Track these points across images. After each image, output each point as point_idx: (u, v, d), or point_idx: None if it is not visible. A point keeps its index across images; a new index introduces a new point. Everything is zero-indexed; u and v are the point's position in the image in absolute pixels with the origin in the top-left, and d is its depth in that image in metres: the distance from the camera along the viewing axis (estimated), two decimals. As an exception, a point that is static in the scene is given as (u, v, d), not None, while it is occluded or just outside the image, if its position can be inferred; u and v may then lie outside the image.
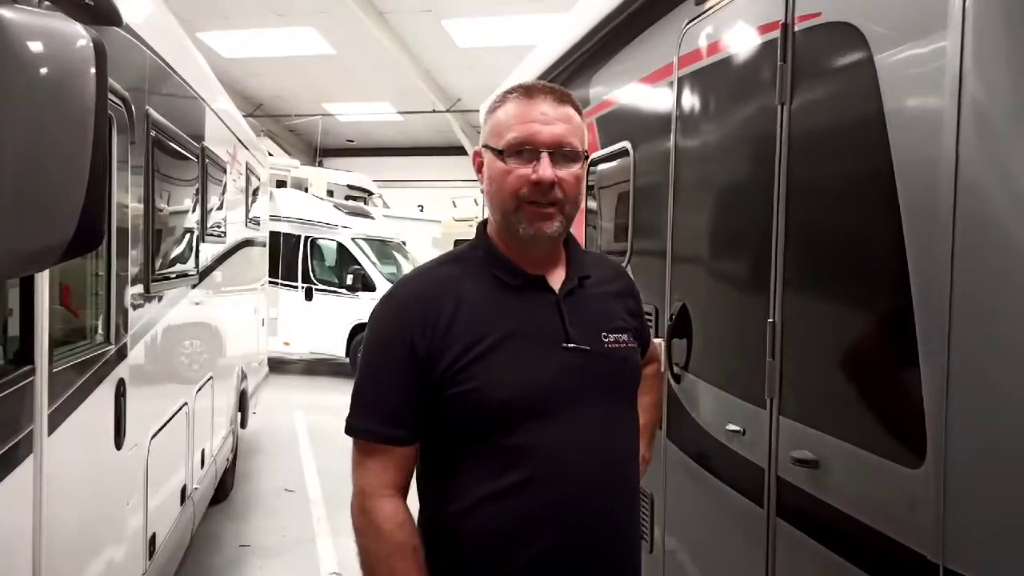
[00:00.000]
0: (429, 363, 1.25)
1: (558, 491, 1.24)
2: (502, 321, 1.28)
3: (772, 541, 1.78)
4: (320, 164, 16.77)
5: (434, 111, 14.92)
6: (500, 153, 1.30)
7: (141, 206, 2.89)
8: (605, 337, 1.35)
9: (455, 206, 13.79)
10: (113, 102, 2.49)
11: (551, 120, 1.29)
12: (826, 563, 1.59)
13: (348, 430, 1.31)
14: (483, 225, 1.41)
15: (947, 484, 1.28)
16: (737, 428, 1.91)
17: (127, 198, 2.66)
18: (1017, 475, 1.20)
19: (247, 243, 6.14)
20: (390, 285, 1.45)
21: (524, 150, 1.28)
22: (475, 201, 12.71)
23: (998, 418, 1.23)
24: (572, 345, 1.30)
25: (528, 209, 1.29)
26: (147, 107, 2.96)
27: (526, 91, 1.33)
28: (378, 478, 1.27)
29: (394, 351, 1.27)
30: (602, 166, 2.96)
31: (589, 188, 3.07)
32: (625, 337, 1.39)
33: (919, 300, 1.35)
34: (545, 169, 1.28)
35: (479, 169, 1.37)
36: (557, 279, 1.36)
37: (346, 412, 1.33)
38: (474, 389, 1.23)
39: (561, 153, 1.29)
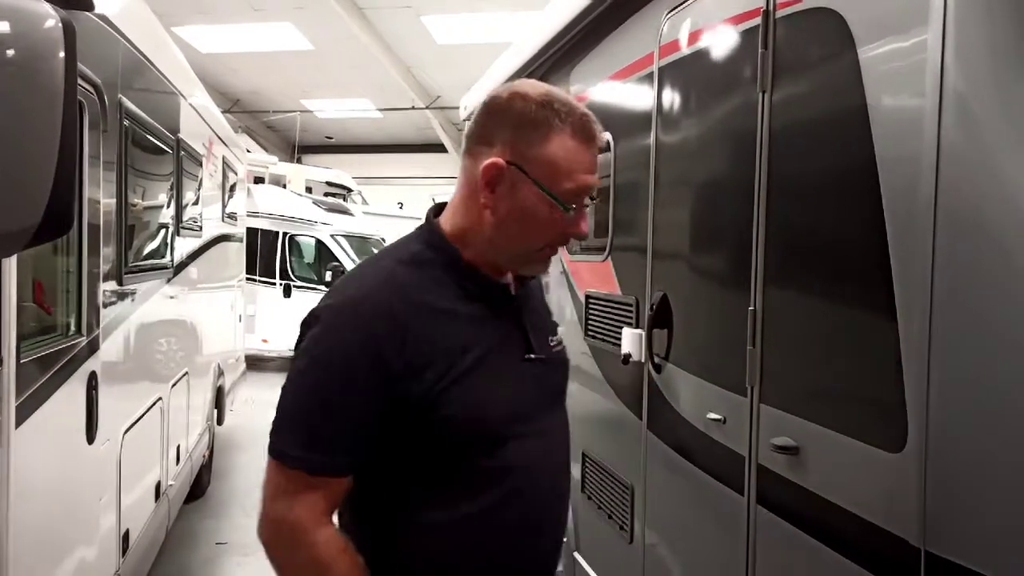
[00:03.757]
0: (403, 384, 1.10)
1: (534, 505, 1.21)
2: (476, 336, 1.17)
3: (752, 529, 1.78)
4: (299, 161, 16.64)
5: (413, 108, 14.86)
6: (556, 200, 1.16)
7: (114, 196, 2.84)
8: (551, 342, 1.33)
9: (435, 203, 13.69)
10: (85, 89, 2.44)
11: (595, 167, 1.20)
12: (806, 550, 1.58)
13: (281, 457, 1.13)
14: (435, 216, 1.27)
15: (928, 467, 1.28)
16: (718, 417, 1.91)
17: (99, 188, 2.61)
18: (998, 458, 1.20)
19: (224, 238, 6.07)
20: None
21: (580, 204, 1.18)
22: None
23: (979, 401, 1.23)
24: (532, 356, 1.25)
25: (547, 253, 1.23)
26: (120, 96, 2.91)
27: (585, 130, 1.17)
28: (313, 510, 1.12)
29: (355, 370, 1.10)
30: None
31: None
32: (560, 338, 1.37)
33: (900, 285, 1.35)
34: (587, 224, 1.22)
35: (493, 184, 1.17)
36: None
37: None
38: (458, 412, 1.12)
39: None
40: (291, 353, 1.22)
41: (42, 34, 1.27)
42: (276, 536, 1.15)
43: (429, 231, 1.24)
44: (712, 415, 1.93)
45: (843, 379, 1.52)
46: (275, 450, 1.15)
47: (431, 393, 1.11)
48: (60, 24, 1.28)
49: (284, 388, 1.15)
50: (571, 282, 3.01)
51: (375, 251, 11.83)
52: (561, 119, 1.16)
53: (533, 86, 1.21)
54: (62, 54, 1.27)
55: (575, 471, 2.94)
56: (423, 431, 1.13)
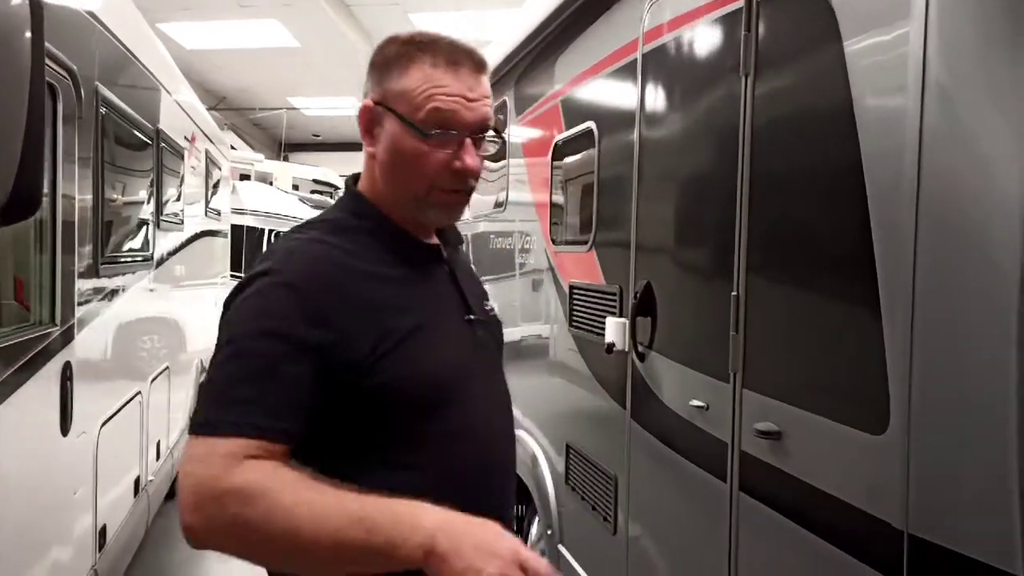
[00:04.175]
0: (335, 353, 1.04)
1: (480, 469, 1.17)
2: (412, 300, 1.14)
3: (735, 516, 1.75)
4: (285, 159, 16.56)
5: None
6: (415, 128, 1.11)
7: (90, 182, 2.80)
8: (486, 304, 1.32)
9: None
10: (58, 73, 2.40)
11: (477, 97, 1.14)
12: (789, 535, 1.56)
13: (210, 427, 0.98)
14: (354, 184, 1.23)
15: (911, 449, 1.26)
16: (701, 404, 1.89)
17: (74, 173, 2.56)
18: (981, 439, 1.18)
19: (207, 233, 6.02)
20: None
21: (446, 131, 1.12)
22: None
23: (962, 380, 1.21)
24: (472, 317, 1.23)
25: (440, 196, 1.16)
26: (96, 83, 2.86)
27: (448, 55, 1.13)
28: (256, 471, 0.96)
29: (286, 337, 1.02)
30: (567, 147, 2.93)
31: (555, 172, 3.03)
32: (493, 304, 1.35)
33: (882, 268, 1.32)
34: (473, 159, 1.15)
35: (368, 129, 1.17)
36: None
37: None
38: (401, 375, 1.07)
39: (482, 137, 1.16)
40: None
41: (8, 11, 1.24)
42: (217, 511, 0.94)
43: (350, 197, 1.22)
44: (695, 402, 1.91)
45: (825, 362, 1.50)
46: (201, 423, 1.00)
47: (371, 358, 1.06)
48: (27, 2, 1.25)
49: (210, 364, 1.05)
50: (556, 274, 2.99)
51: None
52: (421, 49, 1.14)
53: (410, 32, 1.19)
54: (29, 33, 1.25)
55: (559, 464, 2.92)
56: (365, 397, 1.06)
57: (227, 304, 1.10)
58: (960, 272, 1.22)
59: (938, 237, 1.24)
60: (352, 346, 1.06)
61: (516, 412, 3.55)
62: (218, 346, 1.06)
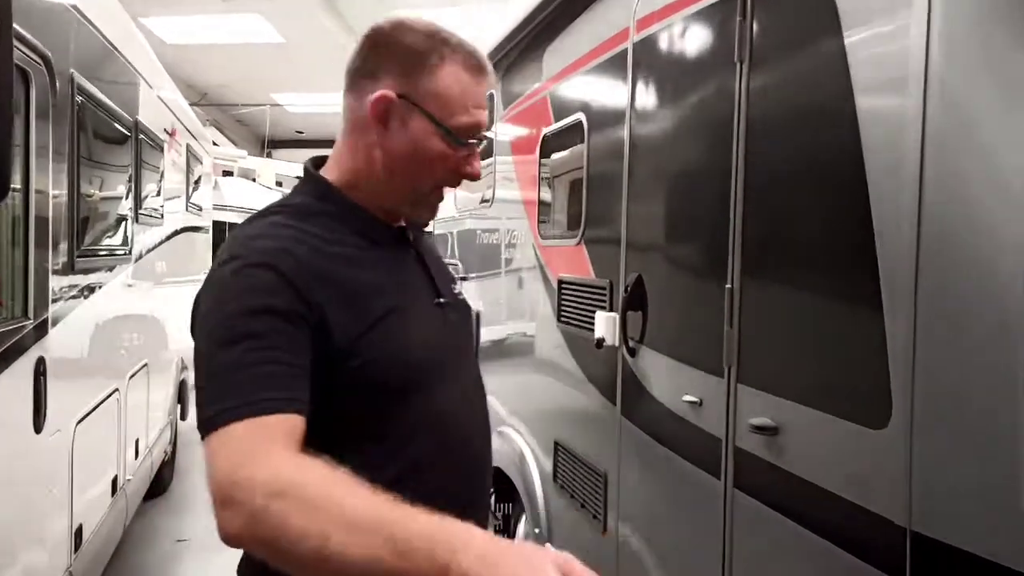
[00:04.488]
0: (319, 333, 1.00)
1: (457, 460, 1.15)
2: (385, 282, 1.11)
3: (729, 513, 1.72)
4: (269, 155, 16.40)
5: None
6: (449, 134, 1.10)
7: (65, 172, 2.72)
8: (454, 287, 1.29)
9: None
10: (31, 59, 2.33)
11: (486, 105, 1.16)
12: (786, 532, 1.53)
13: (224, 417, 0.91)
14: (315, 169, 1.18)
15: (914, 443, 1.23)
16: (694, 399, 1.85)
17: (47, 161, 2.49)
18: (985, 433, 1.15)
19: (188, 229, 5.92)
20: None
21: (476, 140, 1.13)
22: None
23: (968, 373, 1.18)
24: (442, 300, 1.21)
25: (437, 195, 1.17)
26: (72, 70, 2.78)
27: (477, 64, 1.13)
28: (285, 452, 0.91)
29: (279, 311, 0.98)
30: (555, 140, 2.88)
31: (543, 166, 2.99)
32: (461, 288, 1.33)
33: (884, 258, 1.29)
34: (479, 166, 1.16)
35: (384, 119, 1.10)
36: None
37: None
38: (377, 358, 1.04)
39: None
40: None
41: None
42: (247, 499, 0.85)
43: (314, 182, 1.16)
44: (688, 397, 1.87)
45: (824, 356, 1.47)
46: (210, 418, 0.93)
47: (350, 340, 1.02)
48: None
49: (198, 366, 0.98)
50: (544, 269, 2.94)
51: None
52: (452, 49, 1.11)
53: (417, 19, 1.15)
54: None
55: (547, 461, 2.87)
56: (343, 380, 1.02)
57: (197, 302, 1.04)
58: (965, 262, 1.18)
59: (942, 228, 1.21)
60: (334, 328, 1.02)
61: (502, 409, 3.52)
62: (201, 342, 0.99)
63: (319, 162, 1.21)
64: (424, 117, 1.10)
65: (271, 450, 0.89)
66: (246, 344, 0.95)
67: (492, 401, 3.78)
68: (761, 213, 1.65)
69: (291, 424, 0.93)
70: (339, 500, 0.84)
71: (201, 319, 1.03)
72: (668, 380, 2.01)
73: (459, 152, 1.12)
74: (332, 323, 1.01)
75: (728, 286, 1.71)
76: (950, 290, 1.20)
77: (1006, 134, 1.17)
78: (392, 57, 1.11)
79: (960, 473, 1.17)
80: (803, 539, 1.48)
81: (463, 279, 4.07)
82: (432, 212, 1.21)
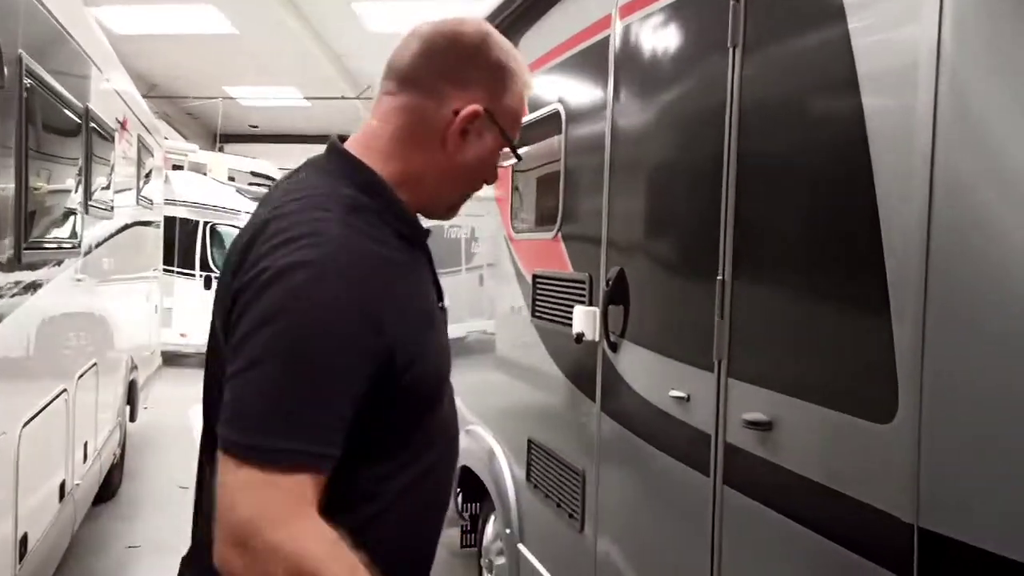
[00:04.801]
0: (386, 358, 0.95)
1: (452, 462, 1.17)
2: (416, 285, 1.08)
3: (719, 511, 1.67)
4: (221, 150, 16.01)
5: (343, 98, 14.47)
6: (513, 150, 1.16)
7: (12, 160, 2.56)
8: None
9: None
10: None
11: None
12: (780, 529, 1.49)
13: (274, 457, 0.86)
14: (351, 155, 1.09)
15: (922, 438, 1.19)
16: (681, 394, 1.80)
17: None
18: (1000, 426, 1.12)
19: (139, 224, 5.70)
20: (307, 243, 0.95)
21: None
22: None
23: (979, 365, 1.15)
24: (442, 305, 1.18)
25: (468, 199, 1.21)
26: (20, 51, 2.62)
27: (531, 82, 1.18)
28: (292, 508, 0.87)
29: (351, 341, 0.92)
30: (530, 131, 2.82)
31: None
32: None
33: (890, 248, 1.25)
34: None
35: (464, 131, 1.08)
36: None
37: None
38: (426, 369, 1.03)
39: None
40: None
41: None
42: (267, 560, 0.84)
43: (358, 172, 1.07)
44: (675, 392, 1.82)
45: (824, 348, 1.43)
46: (256, 448, 0.86)
47: (406, 358, 0.98)
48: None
49: (256, 360, 0.89)
50: (516, 263, 2.88)
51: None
52: (520, 67, 1.15)
53: (493, 30, 1.14)
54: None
55: (520, 460, 2.81)
56: (386, 395, 0.97)
57: (272, 280, 0.91)
58: (976, 251, 1.15)
59: (952, 217, 1.18)
60: (397, 350, 0.97)
61: (467, 410, 3.45)
62: (269, 333, 0.90)
63: (345, 142, 1.14)
64: (499, 134, 1.12)
65: (308, 514, 0.87)
66: (312, 375, 0.90)
67: (457, 402, 3.72)
68: (755, 204, 1.61)
69: (320, 481, 0.90)
70: None
71: (272, 310, 0.90)
72: (652, 375, 1.96)
73: (498, 164, 1.17)
74: (396, 345, 0.96)
75: (719, 277, 1.66)
76: (961, 280, 1.17)
77: (1018, 120, 1.15)
78: (482, 70, 1.10)
79: (970, 467, 1.14)
80: (798, 536, 1.44)
81: (429, 275, 3.98)
82: (456, 213, 1.23)
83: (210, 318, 1.05)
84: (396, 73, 1.11)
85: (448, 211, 1.20)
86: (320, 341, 0.90)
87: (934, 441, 1.18)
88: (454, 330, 3.62)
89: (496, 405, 3.12)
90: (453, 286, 3.68)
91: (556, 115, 2.54)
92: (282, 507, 0.86)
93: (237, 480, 0.86)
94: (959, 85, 1.18)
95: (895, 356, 1.24)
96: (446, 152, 1.09)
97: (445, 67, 1.09)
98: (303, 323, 0.90)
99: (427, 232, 1.15)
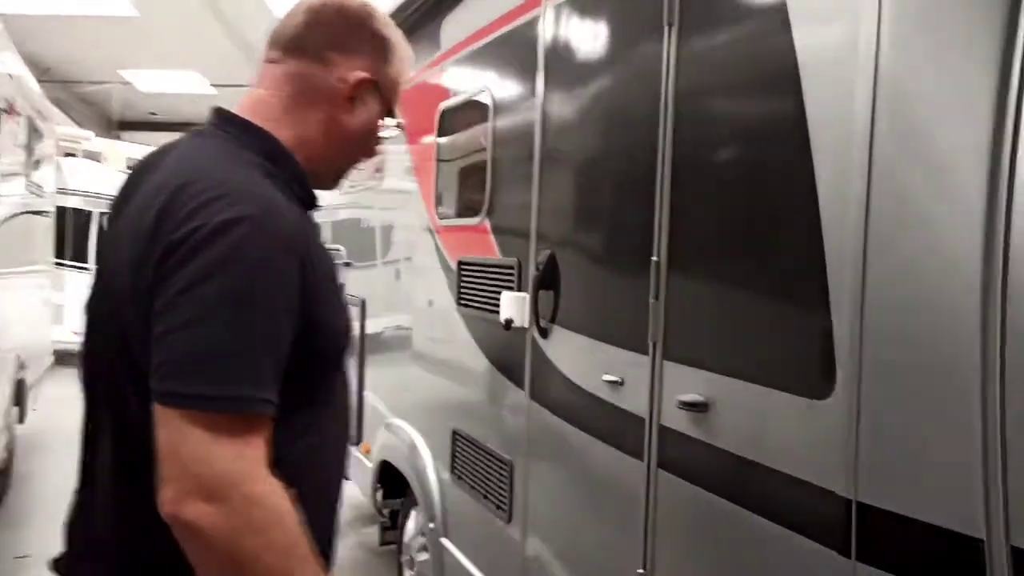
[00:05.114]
0: (315, 306, 0.99)
1: (347, 433, 1.20)
2: (319, 247, 1.11)
3: (652, 494, 1.66)
4: (118, 137, 15.20)
5: (251, 86, 13.98)
6: (394, 119, 1.21)
7: None
8: None
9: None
10: None
11: None
12: (715, 511, 1.48)
13: (230, 402, 0.89)
14: (252, 123, 1.10)
15: (861, 411, 1.20)
16: (615, 378, 1.78)
17: None
18: (942, 398, 1.13)
19: (28, 212, 5.33)
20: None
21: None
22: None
23: (916, 339, 1.16)
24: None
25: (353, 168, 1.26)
26: None
27: (412, 57, 1.25)
28: (260, 460, 0.91)
29: (287, 288, 0.95)
30: (456, 114, 2.76)
31: (441, 142, 2.85)
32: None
33: (829, 221, 1.26)
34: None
35: (352, 98, 1.14)
36: None
37: None
38: (336, 324, 1.08)
39: None
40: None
41: None
42: (229, 500, 0.86)
43: (261, 140, 1.09)
44: (608, 377, 1.80)
45: (762, 326, 1.43)
46: (227, 398, 0.88)
47: (321, 309, 1.02)
48: None
49: (202, 314, 0.89)
50: (441, 251, 2.81)
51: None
52: (402, 41, 1.20)
53: (375, 5, 1.20)
54: None
55: (444, 452, 2.74)
56: (307, 354, 1.00)
57: (214, 234, 0.91)
58: (916, 221, 1.17)
59: (889, 197, 1.19)
60: (320, 306, 1.02)
61: (383, 406, 3.36)
62: (216, 284, 0.90)
63: (225, 114, 1.14)
64: (382, 103, 1.18)
65: (264, 461, 0.90)
66: (271, 320, 0.93)
67: (371, 398, 3.63)
68: (691, 185, 1.60)
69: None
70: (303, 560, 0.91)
71: (218, 260, 0.90)
72: (584, 360, 1.93)
73: (381, 135, 1.21)
74: (318, 303, 1.00)
75: (655, 259, 1.65)
76: (899, 257, 1.18)
77: (957, 88, 1.16)
78: (366, 40, 1.16)
79: (913, 440, 1.16)
80: (734, 517, 1.44)
81: (347, 265, 3.86)
82: (339, 185, 1.27)
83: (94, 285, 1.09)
84: (282, 42, 1.14)
85: (334, 180, 1.22)
86: (267, 292, 0.93)
87: (873, 414, 1.19)
88: (381, 321, 3.53)
89: (418, 399, 3.04)
90: (368, 280, 3.58)
91: (483, 99, 2.48)
92: (258, 458, 0.89)
93: (201, 434, 0.86)
94: (898, 67, 1.19)
95: (833, 332, 1.24)
96: (335, 118, 1.14)
97: (332, 36, 1.14)
98: (249, 275, 0.91)
99: (316, 200, 1.18)
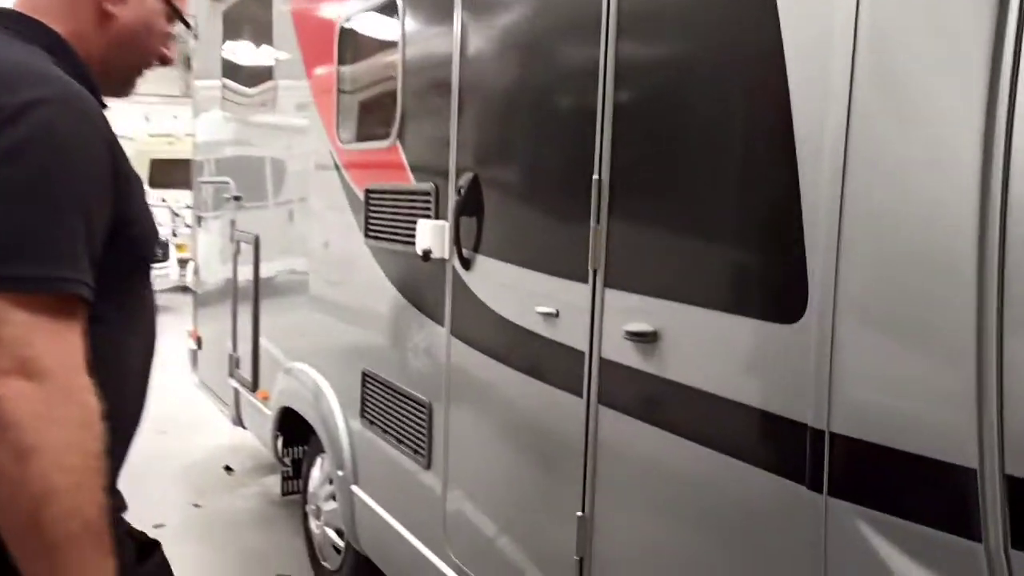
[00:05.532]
0: (126, 197, 0.97)
1: (154, 340, 1.15)
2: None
3: (592, 433, 1.54)
4: None
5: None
6: (177, 15, 1.16)
7: None
8: None
9: (148, 120, 12.24)
10: None
11: None
12: (665, 448, 1.38)
13: (55, 283, 0.85)
14: (26, 15, 1.03)
15: (835, 336, 1.10)
16: (549, 310, 1.63)
17: None
18: (914, 320, 1.04)
19: None
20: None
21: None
22: (174, 116, 11.36)
23: (895, 258, 1.06)
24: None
25: (141, 75, 1.18)
26: None
27: None
28: (80, 350, 0.87)
29: (99, 169, 0.93)
30: (359, 24, 2.48)
31: (343, 56, 2.57)
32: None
33: (802, 136, 1.14)
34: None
35: None
36: None
37: None
38: (141, 229, 1.03)
39: None
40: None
41: None
42: (66, 406, 0.83)
43: (39, 33, 1.03)
44: (541, 309, 1.65)
45: (720, 248, 1.31)
46: (33, 275, 0.84)
47: (131, 203, 0.99)
48: None
49: (9, 195, 0.84)
50: (345, 178, 2.56)
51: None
52: None
53: None
54: None
55: (352, 395, 2.55)
56: (119, 248, 0.96)
57: (12, 117, 0.86)
58: (898, 136, 1.06)
59: (875, 92, 1.07)
60: (130, 199, 0.99)
61: (290, 349, 3.11)
62: (16, 169, 0.85)
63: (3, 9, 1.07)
64: None
65: (84, 354, 0.87)
66: (82, 199, 0.89)
67: (267, 343, 3.37)
68: (639, 98, 1.44)
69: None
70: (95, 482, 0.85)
71: (19, 139, 0.86)
72: (514, 292, 1.78)
73: (167, 35, 1.16)
74: (128, 194, 0.98)
75: (596, 177, 1.49)
76: (881, 167, 1.07)
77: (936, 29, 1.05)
78: None
79: (895, 366, 1.06)
80: (687, 454, 1.34)
81: (236, 199, 3.53)
82: (129, 92, 1.19)
83: None
84: None
85: (123, 85, 1.17)
86: (77, 172, 0.89)
87: (850, 339, 1.09)
88: (277, 262, 3.25)
89: (322, 340, 2.82)
90: (275, 211, 3.28)
91: (392, 4, 2.22)
92: (79, 347, 0.86)
93: (23, 315, 0.83)
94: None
95: (806, 250, 1.13)
96: (104, 10, 1.07)
97: None
98: (58, 155, 0.87)
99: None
